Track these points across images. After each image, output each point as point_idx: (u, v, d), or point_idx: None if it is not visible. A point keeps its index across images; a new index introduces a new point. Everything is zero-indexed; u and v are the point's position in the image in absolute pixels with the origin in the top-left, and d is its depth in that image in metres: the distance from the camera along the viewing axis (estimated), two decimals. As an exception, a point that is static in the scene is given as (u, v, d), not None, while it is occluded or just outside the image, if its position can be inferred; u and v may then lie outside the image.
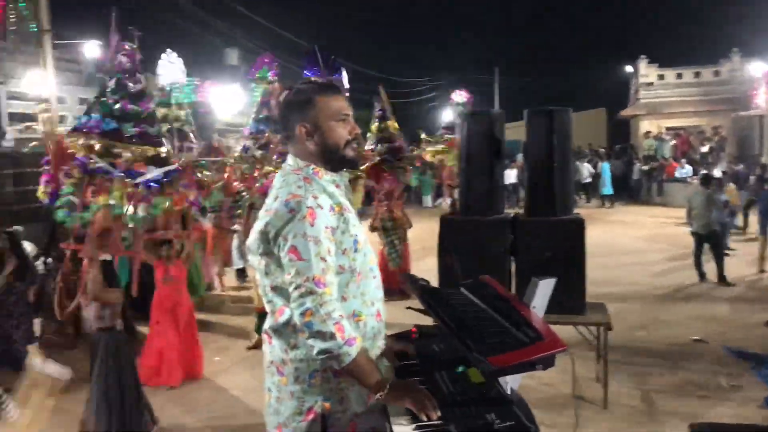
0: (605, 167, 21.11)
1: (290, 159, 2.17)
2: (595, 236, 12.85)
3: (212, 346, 7.01)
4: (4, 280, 5.81)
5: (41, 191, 5.38)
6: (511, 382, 1.88)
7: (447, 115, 14.22)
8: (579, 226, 5.33)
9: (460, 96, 13.61)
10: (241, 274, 10.46)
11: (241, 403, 5.47)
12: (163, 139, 6.10)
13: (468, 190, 5.79)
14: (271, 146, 7.51)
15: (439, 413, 1.76)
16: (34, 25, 11.15)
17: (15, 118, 16.21)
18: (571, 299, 5.16)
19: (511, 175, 19.93)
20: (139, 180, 5.22)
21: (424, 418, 1.77)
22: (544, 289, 2.20)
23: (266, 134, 7.99)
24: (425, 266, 8.47)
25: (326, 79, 7.29)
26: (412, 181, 10.54)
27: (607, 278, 9.20)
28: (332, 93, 2.16)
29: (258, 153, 7.83)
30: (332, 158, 2.13)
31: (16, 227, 7.10)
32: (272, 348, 2.09)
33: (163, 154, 5.72)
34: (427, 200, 23.02)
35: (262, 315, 6.49)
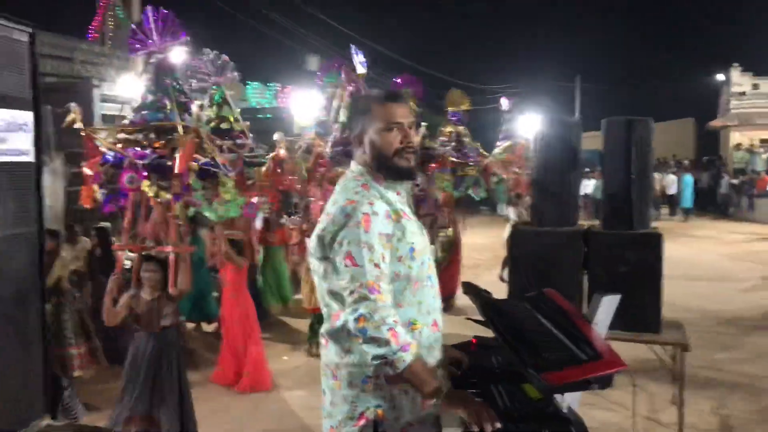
0: (687, 180, 20.34)
1: (353, 165, 2.20)
2: (676, 252, 12.36)
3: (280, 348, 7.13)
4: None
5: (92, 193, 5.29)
6: (570, 400, 1.82)
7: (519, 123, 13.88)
8: (656, 240, 5.12)
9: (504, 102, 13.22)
10: None
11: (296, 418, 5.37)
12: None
13: (541, 200, 5.68)
14: (316, 150, 7.15)
15: (498, 425, 1.73)
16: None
17: (107, 119, 17.10)
18: (646, 317, 4.97)
19: (590, 186, 19.41)
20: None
21: (477, 430, 1.74)
22: (608, 305, 2.13)
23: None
24: (495, 277, 8.35)
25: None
26: (480, 192, 10.17)
27: (687, 296, 8.80)
28: (389, 101, 2.16)
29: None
30: (383, 166, 2.13)
31: (104, 223, 7.46)
32: (328, 351, 2.12)
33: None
34: (502, 208, 22.74)
35: (317, 316, 6.54)
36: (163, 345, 4.31)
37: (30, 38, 2.08)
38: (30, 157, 2.11)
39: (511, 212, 10.36)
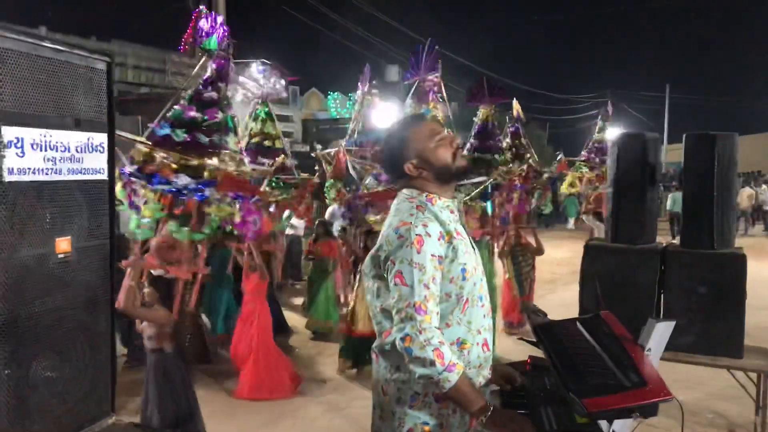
0: None
1: (405, 190, 2.25)
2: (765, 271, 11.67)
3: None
4: None
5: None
6: (617, 427, 1.79)
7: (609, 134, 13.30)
8: (739, 261, 4.88)
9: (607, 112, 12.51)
10: None
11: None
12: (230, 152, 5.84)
13: (617, 216, 5.53)
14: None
15: None
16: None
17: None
18: (726, 341, 4.75)
19: (677, 200, 18.69)
20: (159, 186, 5.03)
21: None
22: (662, 331, 2.06)
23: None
24: (571, 292, 8.15)
25: (422, 77, 6.93)
26: (546, 207, 9.83)
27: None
28: (417, 122, 2.28)
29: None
30: (447, 176, 2.21)
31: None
32: (378, 367, 2.17)
33: (211, 165, 5.48)
34: (571, 222, 22.24)
35: (348, 338, 6.54)
36: (158, 366, 4.46)
37: (107, 66, 2.26)
38: (104, 175, 2.30)
39: (596, 230, 9.87)
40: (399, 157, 2.23)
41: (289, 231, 11.72)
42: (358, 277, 6.62)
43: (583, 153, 10.97)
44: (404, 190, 2.25)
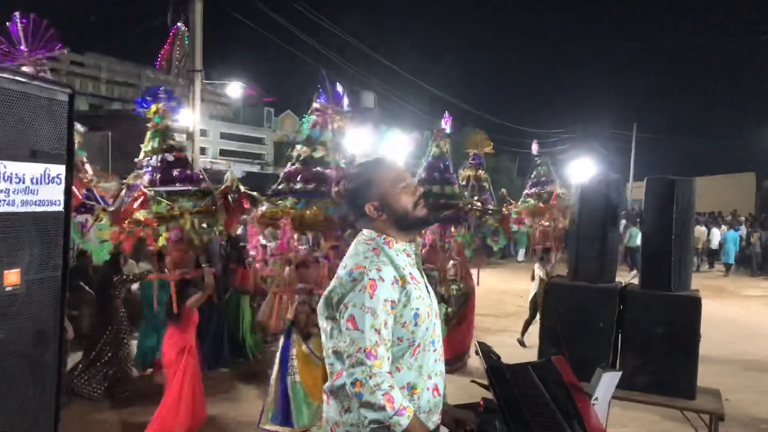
0: (730, 235, 20.45)
1: (365, 231, 2.27)
2: (725, 312, 11.95)
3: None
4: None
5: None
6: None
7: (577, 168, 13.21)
8: (695, 303, 4.99)
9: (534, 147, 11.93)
10: None
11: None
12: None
13: (578, 255, 5.62)
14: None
15: None
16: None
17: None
18: (680, 382, 4.84)
19: (637, 238, 19.10)
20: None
21: None
22: (609, 381, 2.11)
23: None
24: (533, 325, 8.21)
25: (332, 105, 6.79)
26: (500, 242, 9.69)
27: (729, 360, 8.48)
28: (384, 166, 2.29)
29: None
30: (406, 224, 2.23)
31: None
32: (329, 408, 2.18)
33: None
34: (521, 254, 22.39)
35: None
36: None
37: (69, 98, 2.26)
38: (59, 207, 2.27)
39: (538, 269, 9.74)
40: (361, 197, 2.25)
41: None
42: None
43: (526, 192, 10.86)
44: (364, 231, 2.27)
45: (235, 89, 15.31)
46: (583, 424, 1.73)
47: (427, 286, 2.26)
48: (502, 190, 10.75)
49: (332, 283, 2.17)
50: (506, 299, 14.10)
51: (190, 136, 12.23)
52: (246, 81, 16.81)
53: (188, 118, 12.27)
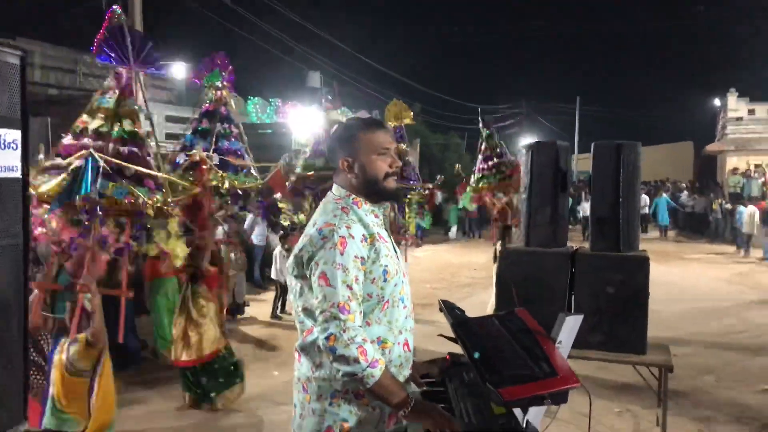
0: (661, 200, 21.89)
1: (335, 188, 2.29)
2: (668, 274, 12.44)
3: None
4: None
5: None
6: (531, 417, 1.89)
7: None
8: (643, 263, 5.19)
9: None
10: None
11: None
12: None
13: (530, 222, 5.75)
14: (203, 167, 6.27)
15: None
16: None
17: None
18: (632, 338, 5.03)
19: (587, 208, 19.62)
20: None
21: None
22: (571, 324, 2.20)
23: (196, 151, 6.55)
24: (488, 295, 8.39)
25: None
26: (426, 221, 9.63)
27: (676, 319, 8.87)
28: (375, 128, 2.27)
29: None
30: (372, 191, 2.24)
31: None
32: (300, 366, 2.20)
33: None
34: (453, 231, 22.44)
35: (183, 371, 5.76)
36: None
37: (21, 61, 2.18)
38: (17, 173, 2.20)
39: (499, 248, 9.67)
40: (339, 148, 2.27)
41: (259, 243, 11.63)
42: (182, 299, 5.84)
43: (480, 166, 10.40)
44: (334, 188, 2.29)
45: (179, 71, 14.96)
46: (550, 364, 1.80)
47: (394, 247, 2.29)
48: (457, 165, 10.56)
49: (301, 241, 2.19)
50: (461, 272, 14.35)
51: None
52: (189, 63, 16.45)
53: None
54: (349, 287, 2.03)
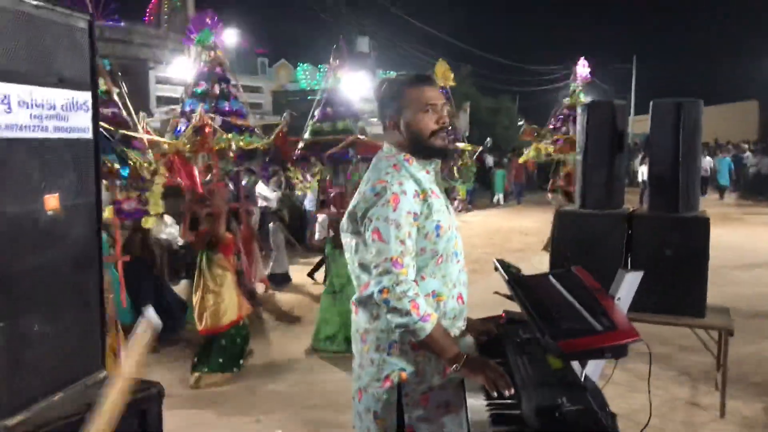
0: (723, 161, 21.39)
1: (386, 146, 2.31)
2: (729, 237, 12.06)
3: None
4: None
5: None
6: (589, 371, 1.90)
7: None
8: (703, 224, 5.06)
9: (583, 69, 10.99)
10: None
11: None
12: None
13: (586, 183, 5.66)
14: (207, 130, 6.06)
15: (512, 391, 1.84)
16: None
17: (162, 101, 17.60)
18: (690, 301, 4.94)
19: (645, 171, 19.11)
20: None
21: (495, 394, 1.85)
22: (631, 281, 2.19)
23: (198, 114, 6.31)
24: (541, 261, 8.29)
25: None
26: (467, 183, 9.22)
27: (737, 282, 8.62)
28: (421, 84, 2.25)
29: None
30: (420, 148, 2.23)
31: None
32: (358, 318, 2.26)
33: None
34: (500, 198, 21.88)
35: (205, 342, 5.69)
36: None
37: (89, 25, 2.26)
38: (89, 135, 2.30)
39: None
40: (386, 107, 2.28)
41: (261, 203, 11.73)
42: (198, 267, 5.72)
43: (551, 121, 10.10)
44: (385, 146, 2.31)
45: (229, 37, 15.09)
46: (609, 318, 1.80)
47: (446, 203, 2.31)
48: (532, 125, 10.06)
49: (355, 198, 2.23)
50: (512, 237, 14.25)
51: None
52: (239, 29, 16.56)
53: (184, 68, 12.11)
54: (402, 242, 2.06)
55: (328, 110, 7.88)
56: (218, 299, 5.58)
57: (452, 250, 2.24)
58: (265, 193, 11.70)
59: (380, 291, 2.03)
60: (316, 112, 8.09)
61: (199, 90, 6.83)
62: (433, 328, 2.02)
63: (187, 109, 6.69)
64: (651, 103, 5.52)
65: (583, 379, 1.84)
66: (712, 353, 5.07)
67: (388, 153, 2.27)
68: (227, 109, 6.78)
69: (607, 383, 2.51)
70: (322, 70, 23.87)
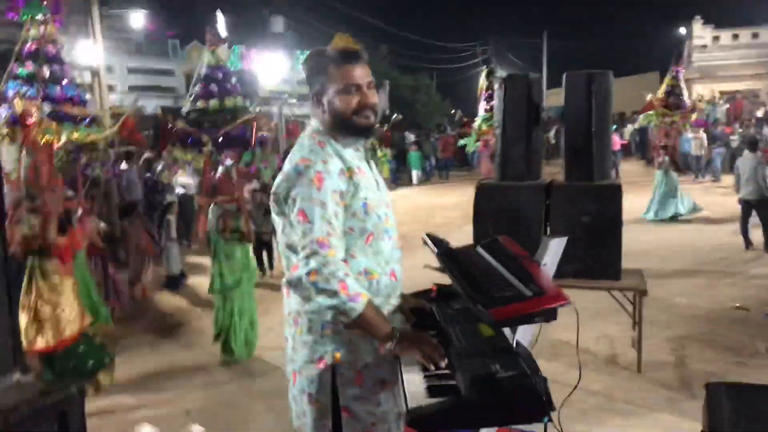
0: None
1: (312, 121, 2.25)
2: (636, 203, 12.66)
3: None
4: None
5: None
6: (519, 337, 1.94)
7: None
8: (616, 191, 5.27)
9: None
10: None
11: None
12: None
13: (505, 156, 5.77)
14: (30, 119, 5.17)
15: (445, 362, 1.85)
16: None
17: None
18: (606, 265, 5.15)
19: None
20: None
21: (432, 368, 1.86)
22: (556, 247, 2.24)
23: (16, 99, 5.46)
24: (465, 234, 8.44)
25: None
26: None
27: (646, 246, 9.08)
28: (348, 62, 2.17)
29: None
30: (341, 126, 2.18)
31: None
32: (289, 300, 2.22)
33: None
34: (417, 175, 21.90)
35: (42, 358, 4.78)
36: None
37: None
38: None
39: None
40: (311, 81, 2.22)
41: (179, 190, 11.33)
42: (27, 279, 4.81)
43: (482, 105, 10.66)
44: (312, 122, 2.25)
45: (137, 19, 14.46)
46: (537, 284, 1.84)
47: (376, 179, 2.28)
48: (458, 111, 10.54)
49: (278, 178, 2.16)
50: (435, 212, 14.46)
51: (95, 72, 11.51)
52: (147, 10, 15.88)
53: (89, 52, 11.51)
54: (328, 222, 2.03)
55: (212, 87, 7.55)
56: (57, 310, 4.75)
57: (383, 227, 2.21)
58: (183, 180, 11.31)
59: (308, 273, 1.99)
60: (197, 89, 7.74)
61: (24, 72, 5.94)
62: (365, 308, 1.99)
63: (10, 93, 5.76)
64: (564, 75, 5.68)
65: (515, 345, 1.88)
66: (629, 314, 5.32)
67: (314, 130, 2.22)
68: (59, 95, 5.98)
69: (532, 349, 2.58)
70: (236, 51, 23.27)
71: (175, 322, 7.26)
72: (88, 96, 6.37)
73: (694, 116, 14.28)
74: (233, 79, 7.80)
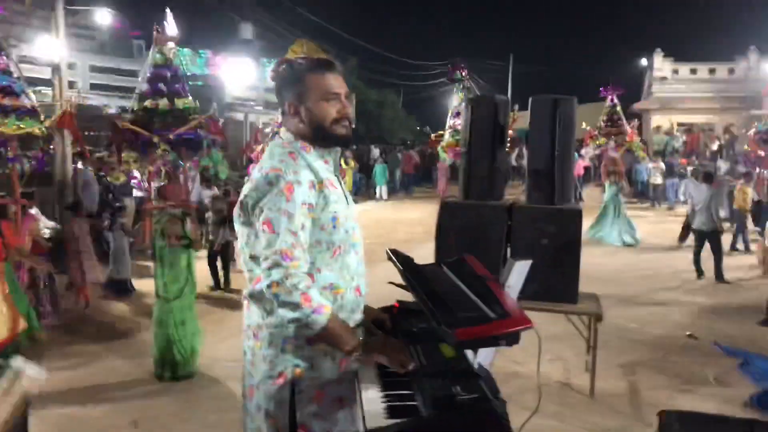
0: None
1: (283, 132, 2.21)
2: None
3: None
4: None
5: None
6: (481, 359, 1.92)
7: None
8: (576, 215, 5.35)
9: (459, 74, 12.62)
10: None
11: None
12: None
13: (469, 175, 5.81)
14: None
15: (414, 365, 1.83)
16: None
17: (25, 81, 16.25)
18: (563, 288, 5.21)
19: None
20: None
21: (400, 371, 1.86)
22: (520, 269, 2.25)
23: None
24: (427, 251, 8.45)
25: None
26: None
27: (602, 271, 9.22)
28: (324, 71, 2.16)
29: None
30: (319, 136, 2.16)
31: None
32: (249, 313, 2.16)
33: None
34: (382, 191, 21.39)
35: None
36: None
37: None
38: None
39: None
40: (284, 90, 2.19)
41: (137, 192, 11.08)
42: None
43: (451, 122, 11.11)
44: (282, 132, 2.21)
45: (102, 17, 14.18)
46: (502, 306, 1.83)
47: (345, 193, 2.25)
48: (427, 128, 10.91)
49: (246, 186, 2.12)
50: (398, 228, 14.47)
51: (56, 68, 11.21)
52: (114, 10, 15.60)
53: (51, 47, 11.22)
54: (294, 233, 1.98)
55: (160, 86, 7.39)
56: None
57: (350, 242, 2.19)
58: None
59: (269, 285, 1.94)
60: (143, 87, 7.59)
61: None
62: (329, 320, 1.96)
63: None
64: (530, 99, 5.75)
65: (476, 367, 1.86)
66: (584, 337, 5.38)
67: (285, 140, 2.18)
68: None
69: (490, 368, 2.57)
70: (202, 55, 23.07)
71: (123, 329, 7.04)
72: (27, 88, 6.08)
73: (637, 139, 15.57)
74: (184, 80, 7.63)
